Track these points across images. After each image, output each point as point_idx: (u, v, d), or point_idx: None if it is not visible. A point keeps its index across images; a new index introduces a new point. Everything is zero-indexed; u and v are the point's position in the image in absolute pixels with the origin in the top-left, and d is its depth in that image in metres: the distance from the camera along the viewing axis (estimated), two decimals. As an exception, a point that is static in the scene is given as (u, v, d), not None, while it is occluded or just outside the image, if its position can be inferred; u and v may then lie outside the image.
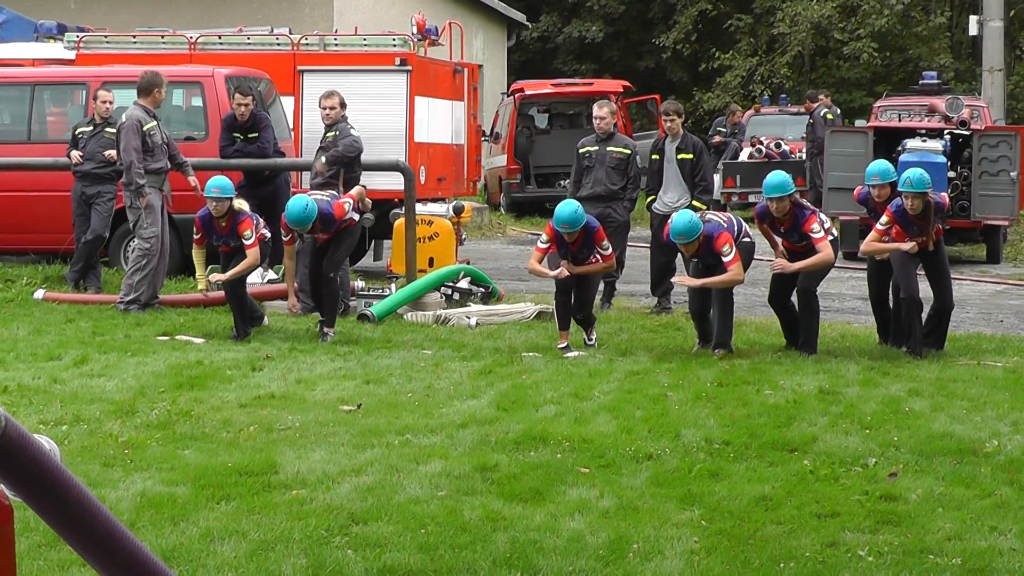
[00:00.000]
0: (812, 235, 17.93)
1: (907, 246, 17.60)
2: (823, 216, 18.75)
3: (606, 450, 12.39)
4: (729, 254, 17.79)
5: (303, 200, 18.85)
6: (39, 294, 21.74)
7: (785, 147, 40.49)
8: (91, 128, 22.42)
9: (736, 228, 18.64)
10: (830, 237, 18.27)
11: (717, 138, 44.04)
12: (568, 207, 18.63)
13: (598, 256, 19.28)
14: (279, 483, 11.26)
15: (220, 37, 29.06)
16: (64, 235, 22.93)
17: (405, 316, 20.55)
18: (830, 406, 14.22)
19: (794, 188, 18.36)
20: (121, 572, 6.89)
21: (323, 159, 21.77)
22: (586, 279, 19.30)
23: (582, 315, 19.25)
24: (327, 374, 15.45)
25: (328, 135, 22.42)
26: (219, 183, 19.31)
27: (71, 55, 28.00)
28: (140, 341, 18.22)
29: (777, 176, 18.25)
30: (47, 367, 16.00)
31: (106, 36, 29.82)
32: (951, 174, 28.01)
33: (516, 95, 42.00)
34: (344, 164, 21.60)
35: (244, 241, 19.23)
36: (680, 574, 9.10)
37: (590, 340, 19.19)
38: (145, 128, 21.02)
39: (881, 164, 18.84)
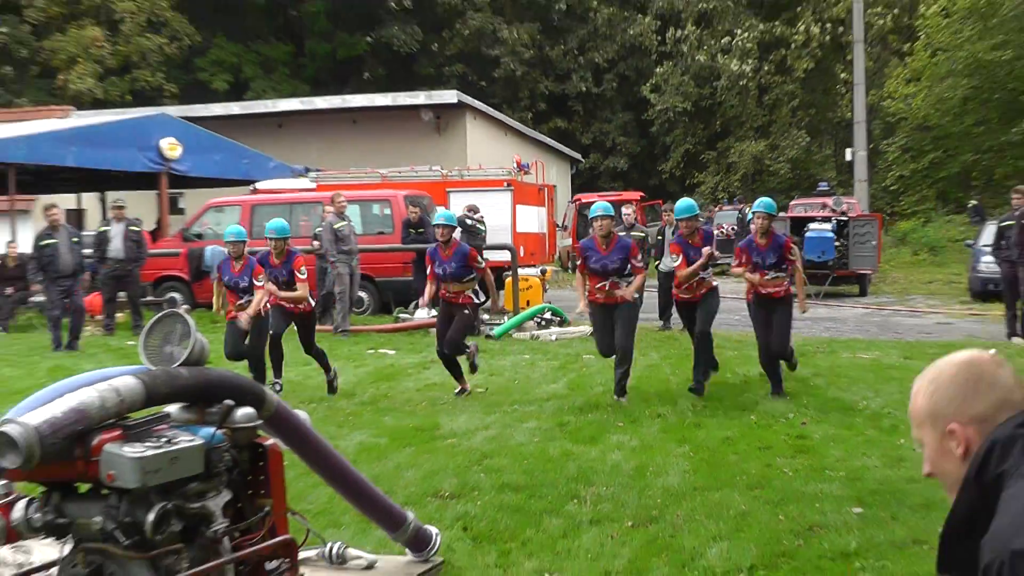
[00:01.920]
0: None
1: (755, 277, 13.62)
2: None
3: (633, 412, 12.50)
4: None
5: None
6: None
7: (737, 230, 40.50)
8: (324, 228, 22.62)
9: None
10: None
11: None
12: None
13: (472, 279, 14.27)
14: (440, 435, 11.39)
15: (400, 171, 29.43)
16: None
17: (513, 335, 20.66)
18: (766, 383, 14.21)
19: (698, 211, 14.23)
20: (349, 492, 7.04)
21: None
22: (457, 315, 14.18)
23: (450, 351, 14.18)
24: (466, 370, 15.51)
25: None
26: (275, 225, 14.80)
27: (312, 185, 28.35)
28: (358, 355, 18.31)
29: (684, 202, 14.27)
30: (305, 370, 16.16)
31: (332, 173, 30.24)
32: (837, 243, 28.38)
33: (576, 202, 42.04)
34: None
35: (297, 275, 14.44)
36: (678, 485, 9.17)
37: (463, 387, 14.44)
38: (336, 227, 21.34)
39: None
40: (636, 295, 13.91)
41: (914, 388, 2.79)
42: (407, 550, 7.32)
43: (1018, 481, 2.48)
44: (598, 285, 13.52)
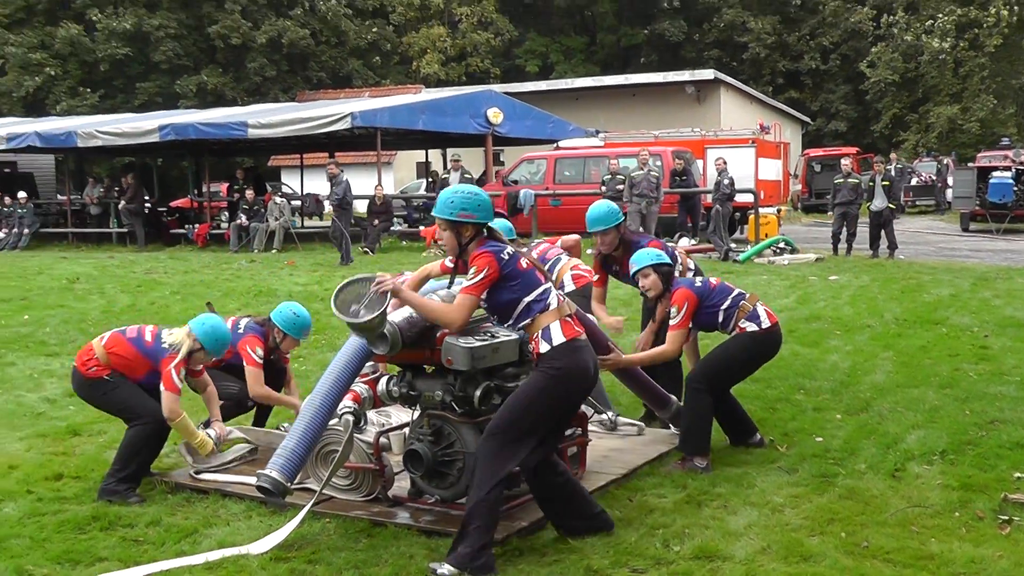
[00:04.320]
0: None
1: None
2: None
3: (848, 323, 12.06)
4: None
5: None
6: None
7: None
8: (610, 177, 22.35)
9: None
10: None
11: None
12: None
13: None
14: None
15: (668, 132, 29.06)
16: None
17: (755, 260, 20.13)
18: (956, 302, 13.52)
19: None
20: (629, 380, 6.91)
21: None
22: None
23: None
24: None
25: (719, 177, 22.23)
26: None
27: (601, 144, 28.33)
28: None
29: (596, 208, 7.33)
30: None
31: (616, 134, 30.13)
32: (1015, 188, 26.78)
33: (805, 155, 40.88)
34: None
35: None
36: (883, 382, 8.88)
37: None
38: (632, 174, 21.24)
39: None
40: None
41: None
42: (669, 424, 7.31)
43: None
44: None
